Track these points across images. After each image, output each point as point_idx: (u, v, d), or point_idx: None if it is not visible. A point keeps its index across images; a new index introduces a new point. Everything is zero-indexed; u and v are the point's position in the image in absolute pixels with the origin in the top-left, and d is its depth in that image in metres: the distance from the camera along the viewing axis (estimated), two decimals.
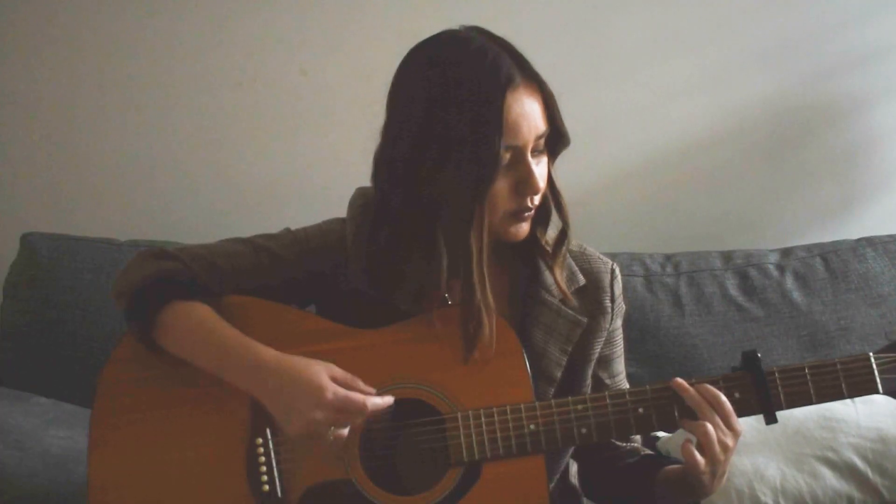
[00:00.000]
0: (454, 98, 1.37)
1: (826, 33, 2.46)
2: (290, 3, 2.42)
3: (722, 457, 1.39)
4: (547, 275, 1.53)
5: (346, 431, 1.36)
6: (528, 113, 1.39)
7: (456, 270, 1.45)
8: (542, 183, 1.41)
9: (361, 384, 1.38)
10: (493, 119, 1.36)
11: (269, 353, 1.38)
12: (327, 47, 2.43)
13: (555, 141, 1.44)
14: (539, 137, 1.41)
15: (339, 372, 1.38)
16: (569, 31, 2.44)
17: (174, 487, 1.43)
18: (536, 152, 1.42)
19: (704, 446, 1.38)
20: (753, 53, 2.46)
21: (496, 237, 1.46)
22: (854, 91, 2.47)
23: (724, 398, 1.40)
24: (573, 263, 1.56)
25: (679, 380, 1.42)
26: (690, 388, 1.41)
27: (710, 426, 1.38)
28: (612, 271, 1.58)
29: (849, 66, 2.46)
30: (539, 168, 1.42)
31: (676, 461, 1.55)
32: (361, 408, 1.35)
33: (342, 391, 1.35)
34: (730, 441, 1.39)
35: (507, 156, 1.38)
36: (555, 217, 1.52)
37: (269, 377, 1.37)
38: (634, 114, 2.46)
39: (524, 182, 1.40)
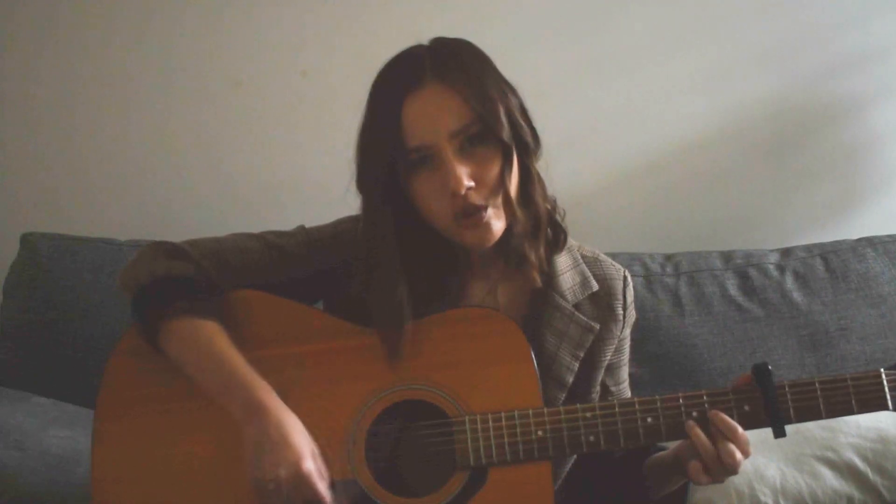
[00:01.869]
0: (368, 110, 1.44)
1: (826, 33, 2.46)
2: (290, 4, 2.42)
3: (727, 476, 1.40)
4: (560, 280, 1.52)
5: None
6: (431, 112, 1.39)
7: (459, 272, 1.46)
8: (469, 182, 1.39)
9: (324, 488, 1.35)
10: (390, 124, 1.39)
11: (271, 399, 1.37)
12: (327, 48, 2.43)
13: (501, 142, 1.41)
14: (456, 134, 1.39)
15: (318, 458, 1.36)
16: (569, 30, 2.44)
17: (178, 481, 1.43)
18: (469, 150, 1.40)
19: (713, 472, 1.39)
20: (753, 53, 2.46)
21: (465, 246, 1.45)
22: (854, 91, 2.47)
23: (741, 430, 1.38)
24: (586, 269, 1.55)
25: (693, 427, 1.40)
26: (702, 436, 1.39)
27: (718, 463, 1.38)
28: (625, 278, 1.58)
29: (849, 66, 2.46)
30: (473, 167, 1.40)
31: (664, 448, 1.55)
32: (320, 498, 1.33)
33: (315, 474, 1.33)
34: (739, 467, 1.39)
35: (421, 156, 1.39)
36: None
37: (261, 421, 1.35)
38: (634, 114, 2.46)
39: (446, 180, 1.39)
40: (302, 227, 1.56)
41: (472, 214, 1.40)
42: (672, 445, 1.93)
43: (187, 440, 1.44)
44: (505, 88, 1.44)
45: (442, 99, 1.39)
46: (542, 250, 1.50)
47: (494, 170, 1.41)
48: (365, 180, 1.45)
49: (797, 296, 2.22)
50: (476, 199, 1.40)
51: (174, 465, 1.44)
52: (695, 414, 1.41)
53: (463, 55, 1.44)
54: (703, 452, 1.38)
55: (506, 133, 1.40)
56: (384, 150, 1.41)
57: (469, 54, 1.45)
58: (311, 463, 1.34)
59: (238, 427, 1.37)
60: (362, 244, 1.48)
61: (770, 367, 1.42)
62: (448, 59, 1.42)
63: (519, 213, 1.44)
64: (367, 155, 1.45)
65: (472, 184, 1.39)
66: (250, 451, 1.35)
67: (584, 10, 2.44)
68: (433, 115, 1.39)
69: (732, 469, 1.38)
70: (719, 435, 1.38)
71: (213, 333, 1.42)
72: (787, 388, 1.41)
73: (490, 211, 1.41)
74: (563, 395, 1.51)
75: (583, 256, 1.57)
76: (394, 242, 1.44)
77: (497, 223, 1.42)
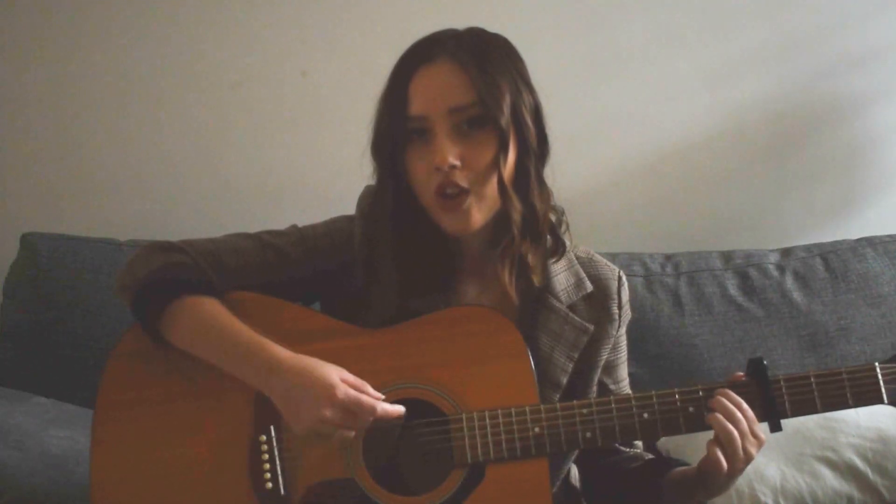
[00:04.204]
0: (387, 85, 1.45)
1: (826, 33, 2.46)
2: (290, 4, 2.42)
3: (743, 464, 1.39)
4: (555, 281, 1.52)
5: (352, 433, 1.36)
6: (436, 84, 1.41)
7: (454, 272, 1.46)
8: (455, 161, 1.39)
9: (371, 389, 1.37)
10: (399, 92, 1.41)
11: (281, 352, 1.38)
12: (327, 47, 2.43)
13: (483, 120, 1.41)
14: (455, 110, 1.40)
15: (349, 375, 1.37)
16: (569, 31, 2.44)
17: (176, 483, 1.43)
18: (463, 130, 1.41)
19: (729, 452, 1.38)
20: (753, 53, 2.46)
21: (444, 229, 1.45)
22: (854, 91, 2.47)
23: (746, 406, 1.40)
24: (581, 270, 1.55)
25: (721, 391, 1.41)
26: (720, 398, 1.40)
27: (735, 433, 1.38)
28: (620, 278, 1.58)
29: (849, 66, 2.47)
30: (464, 147, 1.40)
31: (683, 463, 1.55)
32: (370, 411, 1.35)
33: (353, 392, 1.34)
34: (753, 449, 1.39)
35: (417, 127, 1.41)
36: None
37: (280, 374, 1.36)
38: (634, 114, 2.46)
39: (433, 154, 1.40)
40: (295, 227, 1.56)
41: (452, 196, 1.41)
42: (674, 446, 1.94)
43: (186, 441, 1.44)
44: (521, 86, 1.45)
45: (449, 75, 1.41)
46: (539, 254, 1.50)
47: (487, 156, 1.41)
48: (375, 148, 1.47)
49: (797, 296, 2.23)
50: (460, 179, 1.41)
51: (173, 466, 1.44)
52: (691, 409, 1.41)
53: (488, 44, 1.45)
54: (723, 435, 1.38)
55: (504, 120, 1.40)
56: (389, 118, 1.43)
57: (495, 46, 1.46)
58: (343, 387, 1.34)
59: (262, 391, 1.38)
60: (368, 220, 1.49)
61: (765, 362, 1.42)
62: (471, 43, 1.43)
63: (516, 201, 1.43)
64: (378, 122, 1.46)
65: (457, 163, 1.40)
66: (286, 411, 1.36)
67: (584, 10, 2.44)
68: (436, 88, 1.41)
69: (745, 437, 1.38)
70: (730, 413, 1.39)
71: (215, 308, 1.42)
72: (782, 382, 1.42)
73: (472, 198, 1.42)
74: (558, 396, 1.51)
75: (577, 257, 1.57)
76: (389, 218, 1.46)
77: (477, 213, 1.43)
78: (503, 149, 1.42)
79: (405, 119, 1.41)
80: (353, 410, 1.34)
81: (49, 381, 2.12)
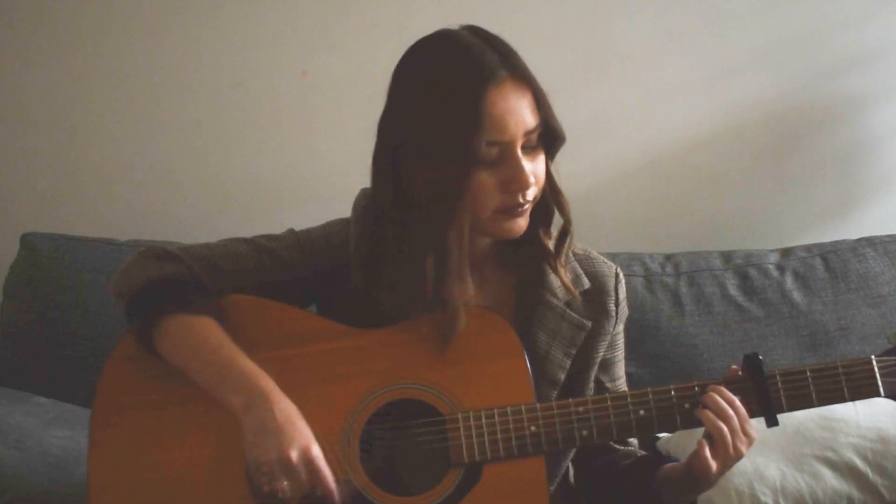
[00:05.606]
0: (435, 95, 1.39)
1: (826, 33, 2.46)
2: (290, 3, 2.43)
3: (732, 462, 1.40)
4: (552, 277, 1.52)
5: (291, 492, 1.35)
6: (514, 108, 1.39)
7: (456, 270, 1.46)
8: (533, 179, 1.40)
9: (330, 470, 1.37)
10: (473, 114, 1.36)
11: (273, 387, 1.37)
12: (327, 47, 2.43)
13: (549, 138, 1.44)
14: (529, 133, 1.40)
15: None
16: (569, 31, 2.44)
17: (174, 487, 1.43)
18: (529, 148, 1.41)
19: (719, 449, 1.38)
20: (753, 53, 2.46)
21: (491, 235, 1.46)
22: (854, 91, 2.47)
23: (739, 403, 1.40)
24: (578, 266, 1.56)
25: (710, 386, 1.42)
26: (713, 394, 1.41)
27: (726, 430, 1.38)
28: (617, 275, 1.58)
29: (849, 66, 2.46)
30: (533, 164, 1.41)
31: (674, 459, 1.55)
32: (326, 485, 1.34)
33: (323, 460, 1.34)
34: (743, 447, 1.39)
35: (494, 151, 1.39)
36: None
37: (264, 404, 1.35)
38: (634, 113, 2.46)
39: (513, 178, 1.39)
40: (291, 231, 1.55)
41: (518, 209, 1.42)
42: (674, 446, 1.94)
43: (184, 445, 1.44)
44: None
45: (520, 96, 1.39)
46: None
47: (543, 168, 1.44)
48: (443, 161, 1.39)
49: (797, 296, 2.23)
50: (530, 196, 1.42)
51: (171, 470, 1.43)
52: (687, 406, 1.42)
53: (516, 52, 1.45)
54: (714, 432, 1.38)
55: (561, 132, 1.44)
56: (465, 139, 1.37)
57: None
58: (318, 448, 1.34)
59: (236, 418, 1.36)
60: (365, 221, 1.48)
61: (760, 357, 1.42)
62: (509, 54, 1.42)
63: (566, 204, 1.48)
64: (441, 136, 1.39)
65: (533, 180, 1.42)
66: (253, 436, 1.35)
67: (583, 9, 2.44)
68: (515, 113, 1.39)
69: (735, 435, 1.39)
70: (721, 410, 1.39)
71: (208, 328, 1.42)
72: (777, 377, 1.42)
73: (530, 206, 1.45)
74: (556, 393, 1.51)
75: (574, 254, 1.57)
76: (392, 222, 1.45)
77: (527, 216, 1.45)
78: (551, 158, 1.45)
79: (485, 143, 1.38)
80: (311, 473, 1.33)
81: (49, 381, 2.12)
